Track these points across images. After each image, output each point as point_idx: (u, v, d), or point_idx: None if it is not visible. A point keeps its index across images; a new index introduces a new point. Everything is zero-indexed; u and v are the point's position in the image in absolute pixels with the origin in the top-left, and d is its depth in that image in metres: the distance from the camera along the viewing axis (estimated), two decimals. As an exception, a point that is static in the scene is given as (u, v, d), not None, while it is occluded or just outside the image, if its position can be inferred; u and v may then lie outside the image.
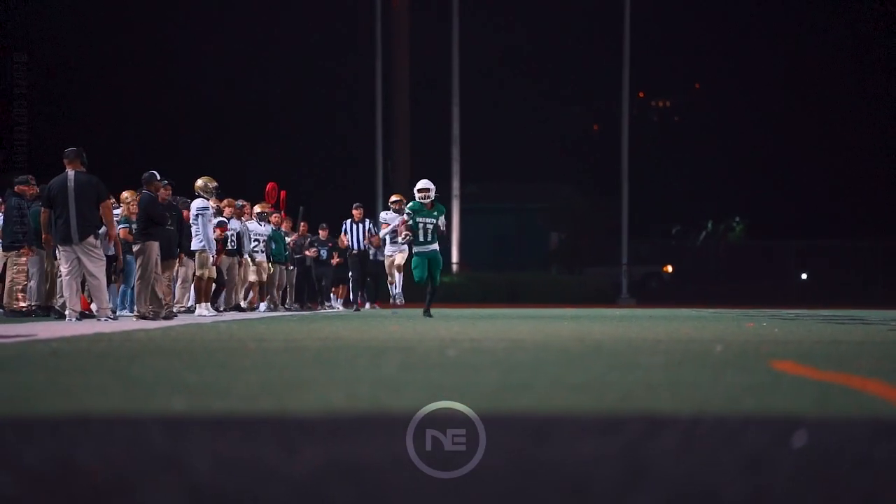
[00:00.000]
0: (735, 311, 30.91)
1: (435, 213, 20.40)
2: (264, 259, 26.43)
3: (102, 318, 16.78)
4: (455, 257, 49.96)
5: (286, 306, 28.10)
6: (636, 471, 3.38)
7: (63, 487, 3.12)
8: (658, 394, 5.37)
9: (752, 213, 63.25)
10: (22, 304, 20.59)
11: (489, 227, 60.41)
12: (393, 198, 25.50)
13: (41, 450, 3.61)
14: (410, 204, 20.33)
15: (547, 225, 59.47)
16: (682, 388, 5.62)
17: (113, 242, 19.34)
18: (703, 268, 57.44)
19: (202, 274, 22.15)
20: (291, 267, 28.74)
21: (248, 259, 25.98)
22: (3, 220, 21.18)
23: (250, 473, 3.31)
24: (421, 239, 20.23)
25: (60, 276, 20.02)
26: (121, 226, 21.42)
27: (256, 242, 26.24)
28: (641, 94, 68.55)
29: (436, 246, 20.27)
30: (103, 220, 17.05)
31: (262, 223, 26.36)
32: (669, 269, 57.31)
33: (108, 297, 17.20)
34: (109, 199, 17.59)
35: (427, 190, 20.55)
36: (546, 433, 4.01)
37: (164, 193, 19.09)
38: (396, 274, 24.77)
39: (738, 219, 62.52)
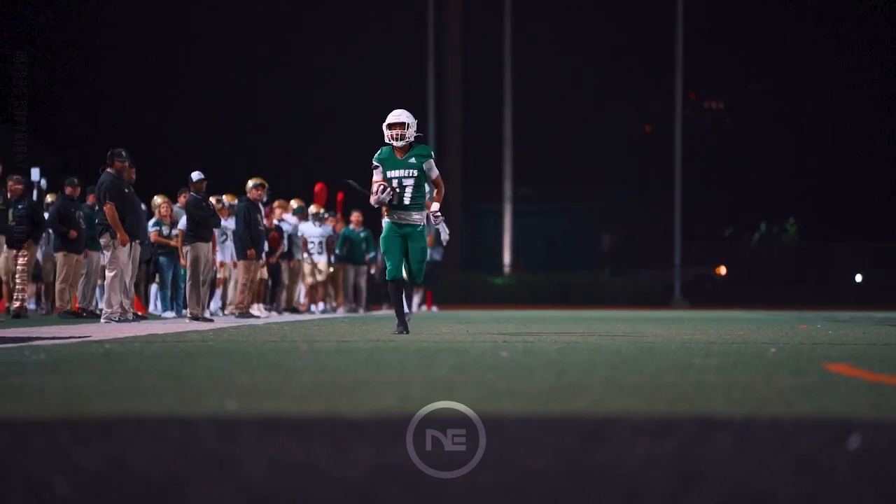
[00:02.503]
0: (788, 313, 30.72)
1: (413, 162, 12.77)
2: (322, 260, 26.43)
3: (104, 319, 16.85)
4: (507, 259, 49.92)
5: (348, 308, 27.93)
6: (690, 473, 3.35)
7: (116, 488, 3.13)
8: (712, 395, 5.33)
9: (806, 214, 62.86)
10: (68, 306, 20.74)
11: (541, 229, 60.32)
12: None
13: (94, 451, 3.62)
14: (379, 151, 12.91)
15: (599, 226, 59.33)
16: (735, 390, 5.58)
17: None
18: (756, 270, 57.14)
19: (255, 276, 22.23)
20: (373, 271, 28.44)
21: (303, 260, 26.03)
22: (49, 221, 21.33)
23: (302, 474, 3.30)
24: (393, 202, 12.82)
25: (81, 277, 20.16)
26: (153, 228, 21.53)
27: (312, 244, 26.28)
28: (693, 96, 68.28)
29: (418, 216, 12.92)
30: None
31: (318, 224, 26.37)
32: (722, 270, 57.04)
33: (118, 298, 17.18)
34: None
35: (401, 126, 12.82)
36: (600, 435, 3.99)
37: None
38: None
39: (791, 220, 62.17)
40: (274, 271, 24.56)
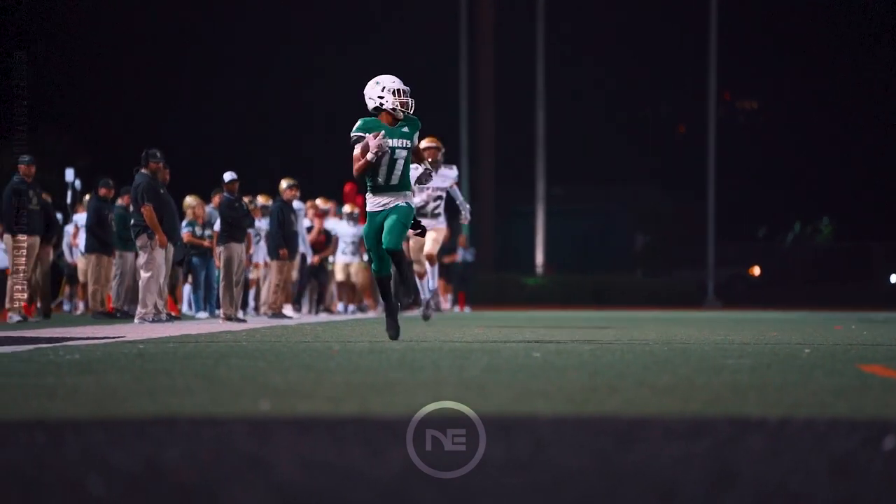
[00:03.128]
0: (823, 313, 30.60)
1: (406, 132, 11.16)
2: (354, 260, 26.44)
3: (138, 320, 16.92)
4: (540, 259, 49.87)
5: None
6: (724, 474, 3.34)
7: (150, 488, 3.14)
8: (745, 396, 5.32)
9: (841, 214, 62.60)
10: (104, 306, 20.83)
11: (574, 229, 60.23)
12: (425, 142, 15.85)
13: (128, 451, 3.63)
14: (360, 121, 11.15)
15: (632, 227, 59.21)
16: (769, 391, 5.56)
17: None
18: (790, 270, 56.91)
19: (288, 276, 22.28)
20: None
21: (335, 261, 26.06)
22: (86, 223, 21.44)
23: (335, 475, 3.31)
24: (380, 180, 11.05)
25: (115, 277, 20.22)
26: (185, 229, 21.60)
27: (345, 244, 26.30)
28: (727, 96, 68.08)
29: (404, 199, 11.11)
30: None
31: (352, 224, 26.34)
32: (756, 271, 56.84)
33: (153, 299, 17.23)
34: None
35: (396, 93, 11.17)
36: (633, 435, 3.98)
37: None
38: (427, 265, 16.57)
39: (826, 220, 61.92)
40: (317, 272, 24.66)
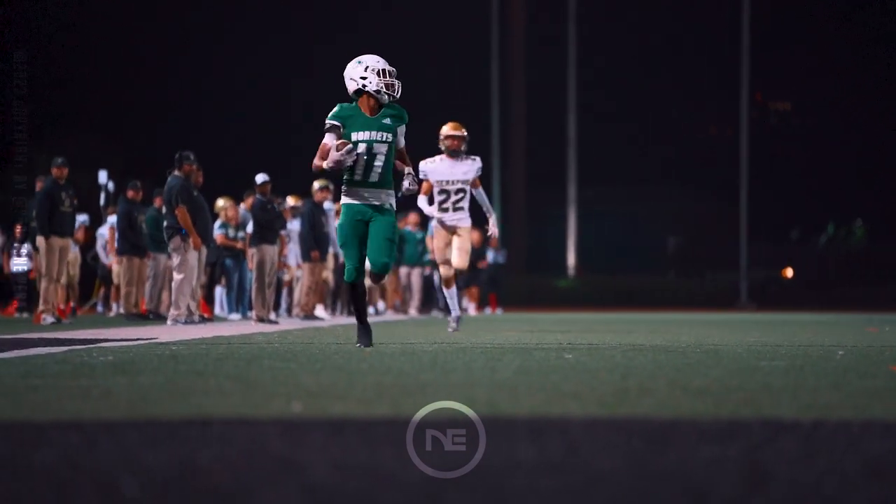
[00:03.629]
0: (856, 315, 30.46)
1: (388, 123, 9.90)
2: None
3: (171, 322, 16.97)
4: (571, 261, 49.80)
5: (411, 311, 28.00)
6: (757, 476, 3.33)
7: (183, 489, 3.15)
8: (778, 398, 5.30)
9: (874, 216, 62.30)
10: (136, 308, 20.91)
11: (606, 231, 60.15)
12: (448, 129, 14.41)
13: (162, 452, 3.64)
14: (337, 107, 9.93)
15: (664, 229, 59.08)
16: (802, 393, 5.54)
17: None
18: (823, 272, 56.67)
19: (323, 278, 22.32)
20: (428, 272, 28.23)
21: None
22: (116, 226, 21.53)
23: (367, 477, 3.31)
24: (357, 177, 9.88)
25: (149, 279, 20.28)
26: (218, 231, 21.67)
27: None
28: (759, 97, 67.86)
29: (385, 197, 9.95)
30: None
31: None
32: (789, 273, 56.64)
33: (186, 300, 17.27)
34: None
35: (394, 75, 9.97)
36: (665, 438, 3.97)
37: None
38: (451, 289, 14.55)
39: (859, 222, 61.65)
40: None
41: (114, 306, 24.70)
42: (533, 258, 55.36)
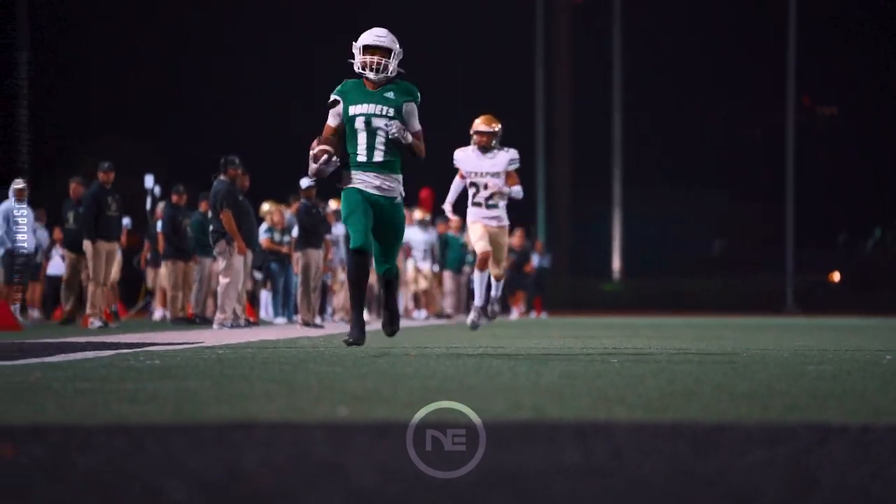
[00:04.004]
0: (904, 319, 30.24)
1: (390, 97, 9.12)
2: (426, 266, 26.45)
3: (217, 326, 17.03)
4: (616, 264, 49.68)
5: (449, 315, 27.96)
6: (804, 481, 3.31)
7: (228, 493, 3.16)
8: (826, 403, 5.27)
9: (923, 219, 61.83)
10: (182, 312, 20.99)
11: (651, 234, 59.97)
12: (478, 123, 13.64)
13: (207, 455, 3.66)
14: (340, 84, 9.25)
15: (710, 232, 58.86)
16: (850, 398, 5.51)
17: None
18: (871, 276, 56.30)
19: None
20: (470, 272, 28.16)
21: (407, 268, 26.11)
22: (162, 230, 21.62)
23: (411, 480, 3.31)
24: (361, 157, 9.11)
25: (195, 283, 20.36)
26: (264, 235, 21.73)
27: (417, 250, 26.34)
28: (807, 101, 67.53)
29: (393, 184, 9.18)
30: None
31: (424, 230, 26.37)
32: (836, 277, 56.31)
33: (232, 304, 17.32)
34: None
35: (383, 52, 9.17)
36: (711, 442, 3.95)
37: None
38: (492, 281, 13.90)
39: (907, 225, 61.21)
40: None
41: (159, 310, 24.81)
42: (577, 261, 55.25)
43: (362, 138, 9.03)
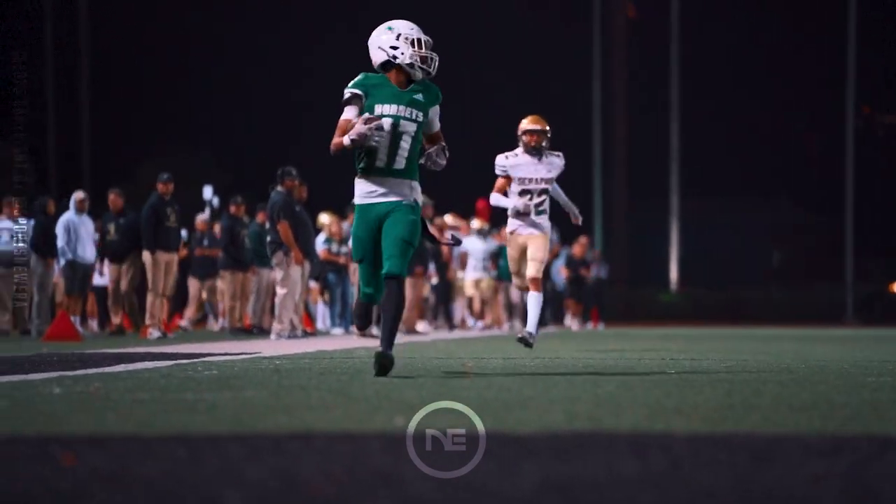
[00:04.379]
0: (966, 330, 29.95)
1: (420, 100, 8.25)
2: (483, 276, 26.43)
3: (274, 336, 17.08)
4: (674, 275, 49.48)
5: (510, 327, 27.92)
6: (863, 493, 3.29)
7: (286, 502, 3.17)
8: (886, 415, 5.23)
9: None
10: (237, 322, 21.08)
11: (708, 244, 59.69)
12: (527, 123, 12.71)
13: (266, 465, 3.67)
14: (361, 75, 8.31)
15: (768, 242, 58.54)
16: (911, 409, 5.46)
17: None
18: (931, 286, 55.74)
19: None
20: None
21: (465, 277, 26.12)
22: (221, 241, 21.72)
23: (469, 491, 3.31)
24: (380, 163, 8.19)
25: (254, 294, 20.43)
26: (322, 245, 21.78)
27: (475, 260, 26.33)
28: (867, 109, 67.06)
29: (410, 192, 8.24)
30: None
31: (482, 239, 26.36)
32: (896, 287, 55.80)
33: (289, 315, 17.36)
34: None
35: (430, 46, 8.33)
36: (770, 454, 3.93)
37: None
38: (531, 293, 12.27)
39: (969, 235, 60.63)
40: (445, 288, 24.74)
41: (219, 320, 24.92)
42: (634, 272, 55.08)
43: (384, 142, 8.07)
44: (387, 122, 8.05)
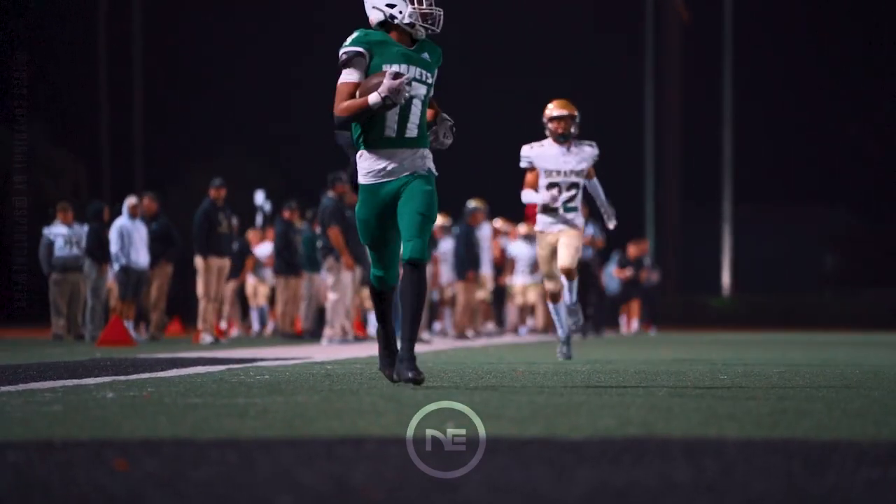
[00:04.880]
0: None
1: (427, 59, 7.34)
2: (528, 280, 26.38)
3: (325, 341, 17.11)
4: (726, 280, 49.27)
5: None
6: (920, 500, 3.26)
7: (338, 507, 3.18)
8: (942, 421, 5.18)
9: None
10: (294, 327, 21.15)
11: (761, 249, 59.43)
12: (553, 108, 11.82)
13: (318, 470, 3.68)
14: (358, 32, 7.31)
15: (821, 247, 58.18)
16: (967, 416, 5.41)
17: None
18: None
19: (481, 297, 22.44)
20: None
21: (513, 283, 26.10)
22: (274, 246, 21.81)
23: (520, 496, 3.30)
24: (389, 132, 7.26)
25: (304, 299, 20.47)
26: None
27: (522, 264, 26.32)
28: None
29: (422, 162, 7.28)
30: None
31: (531, 244, 26.31)
32: (952, 291, 55.34)
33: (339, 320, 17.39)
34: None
35: (415, 0, 7.27)
36: (824, 460, 3.90)
37: None
38: (565, 282, 11.74)
39: None
40: (499, 292, 24.78)
41: (270, 326, 25.00)
42: (687, 277, 54.89)
43: (400, 109, 7.12)
44: (405, 95, 7.06)
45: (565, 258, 11.48)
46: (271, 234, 23.45)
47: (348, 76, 7.14)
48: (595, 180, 11.71)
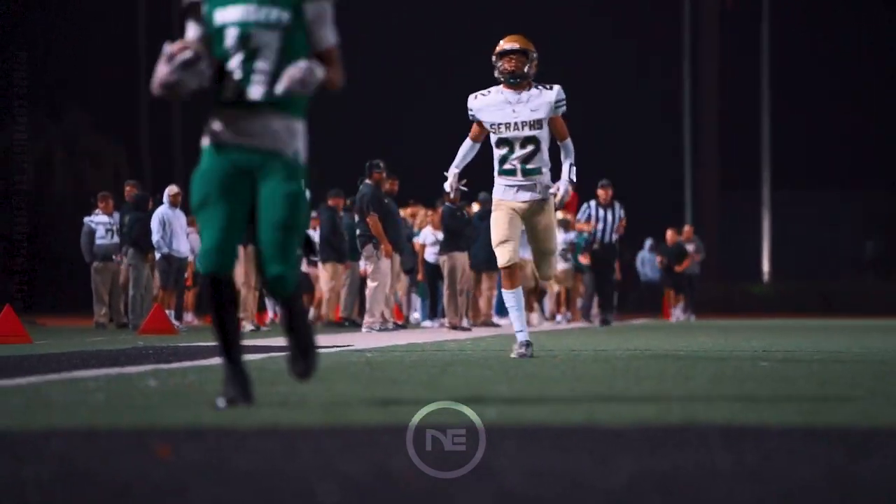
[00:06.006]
0: None
1: None
2: (565, 267, 26.22)
3: (365, 329, 17.14)
4: (766, 267, 49.08)
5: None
6: (963, 488, 3.24)
7: (380, 495, 3.19)
8: (984, 407, 5.15)
9: None
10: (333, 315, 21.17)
11: (801, 235, 59.15)
12: (503, 43, 9.31)
13: (358, 458, 3.69)
14: None
15: (862, 232, 57.87)
16: None
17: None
18: None
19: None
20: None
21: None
22: (320, 233, 21.82)
23: (562, 483, 3.31)
24: (228, 92, 5.38)
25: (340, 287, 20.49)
26: (419, 240, 21.79)
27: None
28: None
29: (286, 135, 5.42)
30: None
31: (565, 230, 26.17)
32: None
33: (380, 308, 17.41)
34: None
35: None
36: (867, 447, 3.89)
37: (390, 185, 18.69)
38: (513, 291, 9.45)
39: None
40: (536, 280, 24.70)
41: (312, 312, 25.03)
42: (726, 263, 54.68)
43: (236, 60, 5.35)
44: (231, 35, 5.34)
45: (546, 267, 9.47)
46: (314, 222, 23.47)
47: (187, 33, 5.44)
48: (568, 141, 9.23)
